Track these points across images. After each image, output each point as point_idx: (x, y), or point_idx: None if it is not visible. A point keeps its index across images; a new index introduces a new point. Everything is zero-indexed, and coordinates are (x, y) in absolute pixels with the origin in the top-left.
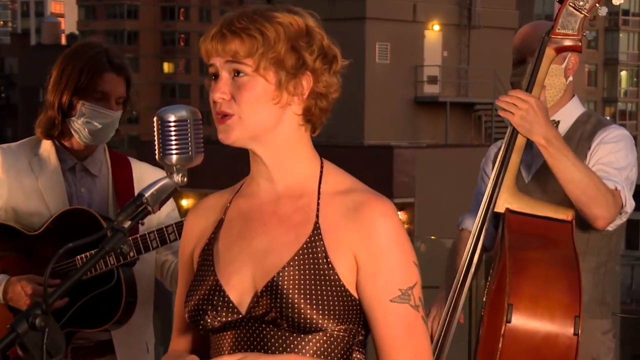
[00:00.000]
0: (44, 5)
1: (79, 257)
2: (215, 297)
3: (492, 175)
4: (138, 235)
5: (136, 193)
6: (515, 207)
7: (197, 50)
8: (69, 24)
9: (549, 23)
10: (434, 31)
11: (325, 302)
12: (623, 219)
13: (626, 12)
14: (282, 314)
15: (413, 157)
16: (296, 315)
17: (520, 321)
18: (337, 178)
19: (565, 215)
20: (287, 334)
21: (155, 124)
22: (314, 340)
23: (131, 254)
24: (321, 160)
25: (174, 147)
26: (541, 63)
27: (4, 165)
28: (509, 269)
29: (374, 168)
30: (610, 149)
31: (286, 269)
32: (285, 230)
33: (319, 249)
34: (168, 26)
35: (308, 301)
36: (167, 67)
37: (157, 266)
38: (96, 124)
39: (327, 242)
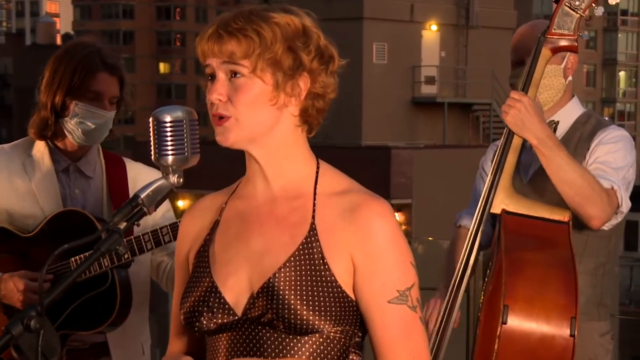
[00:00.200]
0: (39, 5)
1: (73, 259)
2: (211, 299)
3: (489, 176)
4: (132, 237)
5: (131, 194)
6: (511, 208)
7: (193, 50)
8: (64, 24)
9: (547, 22)
10: (431, 31)
11: (322, 304)
12: (619, 218)
13: (624, 12)
14: (279, 315)
15: (410, 157)
16: (292, 316)
17: (516, 322)
18: (333, 179)
19: (562, 216)
20: (283, 336)
21: (151, 125)
22: (310, 342)
23: (126, 256)
24: (317, 161)
25: (169, 147)
26: (537, 63)
27: None
28: (505, 270)
29: (371, 169)
30: (608, 149)
31: (282, 270)
32: (282, 231)
33: (315, 250)
34: (164, 26)
35: (304, 302)
36: (163, 67)
37: (153, 267)
38: (89, 124)
39: (324, 243)
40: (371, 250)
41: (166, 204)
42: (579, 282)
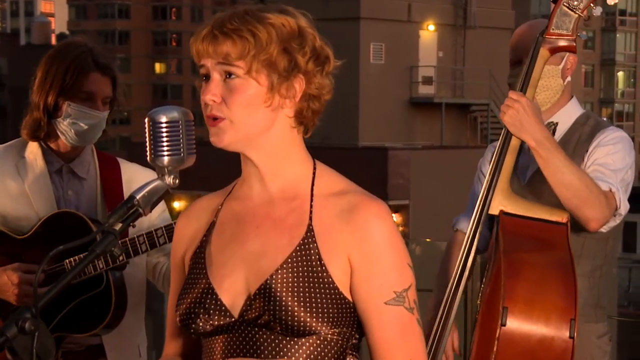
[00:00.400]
0: (34, 5)
1: (67, 260)
2: (208, 301)
3: (487, 177)
4: (127, 238)
5: (125, 194)
6: (509, 209)
7: (189, 50)
8: (59, 24)
9: (546, 22)
10: (429, 31)
11: (319, 305)
12: (617, 221)
13: (623, 12)
14: (275, 317)
15: (408, 158)
16: (289, 318)
17: (515, 324)
18: (330, 180)
19: (560, 217)
20: (280, 338)
21: (146, 125)
22: (307, 343)
23: (120, 258)
24: (314, 161)
25: (165, 148)
26: (535, 63)
27: None
28: (504, 271)
29: (368, 170)
30: (607, 151)
31: (279, 271)
32: (279, 232)
33: (312, 252)
34: (160, 26)
35: (302, 304)
36: (158, 67)
37: (149, 268)
38: (82, 124)
39: (321, 245)
40: (368, 252)
41: (162, 204)
42: None
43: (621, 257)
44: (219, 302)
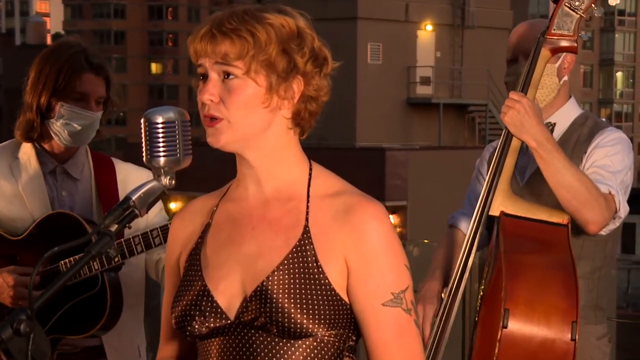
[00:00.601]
0: (29, 5)
1: (62, 262)
2: (203, 303)
3: (487, 178)
4: (123, 239)
5: (120, 195)
6: (510, 210)
7: (186, 50)
8: (54, 24)
9: (546, 22)
10: (426, 31)
11: (316, 307)
12: (616, 223)
13: (622, 12)
14: (272, 319)
15: (406, 159)
16: (286, 320)
17: (517, 326)
18: (326, 181)
19: (561, 218)
20: (276, 340)
21: (142, 126)
22: (303, 345)
23: (116, 259)
24: (310, 162)
25: (161, 149)
26: (536, 64)
27: None
28: (505, 273)
29: (365, 170)
30: (606, 152)
31: (275, 273)
32: (275, 234)
33: (308, 253)
34: (156, 26)
35: (298, 306)
36: (154, 67)
37: (151, 265)
38: (76, 125)
39: (317, 246)
40: (365, 253)
41: (159, 204)
42: None
43: (620, 259)
44: (214, 304)
